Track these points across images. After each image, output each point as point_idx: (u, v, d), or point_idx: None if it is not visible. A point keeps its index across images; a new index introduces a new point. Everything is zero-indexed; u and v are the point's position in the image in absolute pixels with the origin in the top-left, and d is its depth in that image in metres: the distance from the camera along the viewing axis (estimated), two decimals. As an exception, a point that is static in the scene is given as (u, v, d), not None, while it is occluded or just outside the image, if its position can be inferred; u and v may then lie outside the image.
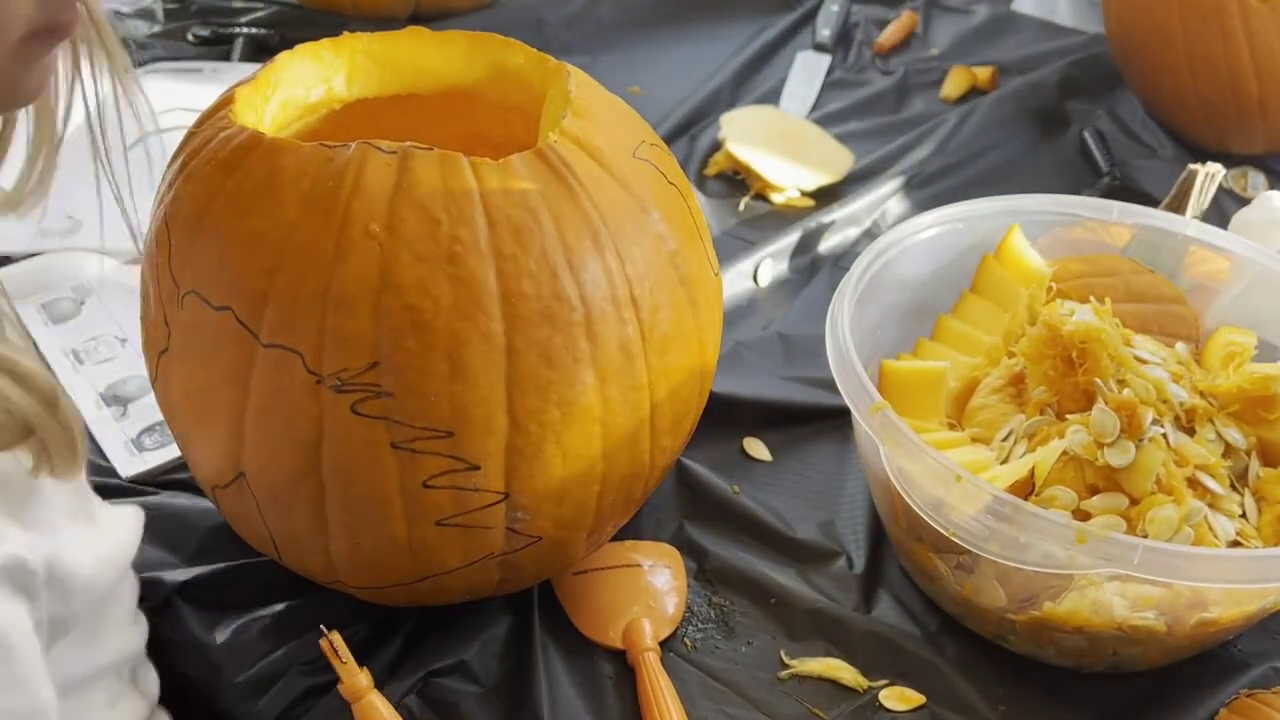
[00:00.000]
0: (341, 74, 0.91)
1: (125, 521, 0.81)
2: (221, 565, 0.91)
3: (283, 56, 0.88)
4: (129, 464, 1.01)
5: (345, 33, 0.92)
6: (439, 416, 0.74)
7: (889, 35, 1.65)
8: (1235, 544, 0.87)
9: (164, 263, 0.79)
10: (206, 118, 0.84)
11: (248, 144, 0.78)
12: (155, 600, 0.88)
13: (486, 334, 0.74)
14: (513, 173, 0.77)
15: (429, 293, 0.73)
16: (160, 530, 0.94)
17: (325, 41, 0.90)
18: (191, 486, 0.98)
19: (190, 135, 0.84)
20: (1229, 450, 0.92)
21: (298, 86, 0.90)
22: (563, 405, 0.77)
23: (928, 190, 1.37)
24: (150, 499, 0.97)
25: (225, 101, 0.84)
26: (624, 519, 0.89)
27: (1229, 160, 1.38)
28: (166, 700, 0.86)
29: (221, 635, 0.88)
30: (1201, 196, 1.22)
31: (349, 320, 0.73)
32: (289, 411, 0.75)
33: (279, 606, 0.90)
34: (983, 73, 1.57)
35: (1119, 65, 1.50)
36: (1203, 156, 1.34)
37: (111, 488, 0.98)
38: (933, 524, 0.84)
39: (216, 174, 0.78)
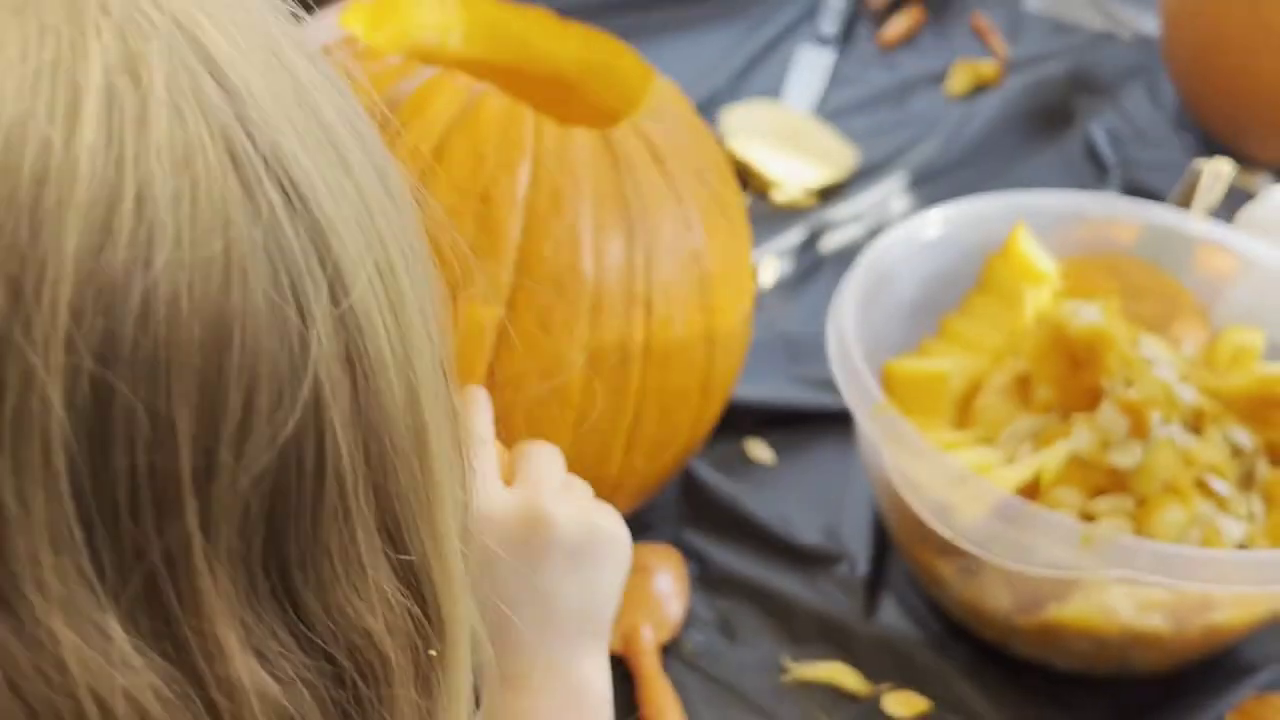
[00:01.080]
0: (459, 31, 0.92)
1: None
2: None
3: None
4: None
5: None
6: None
7: (894, 30, 1.64)
8: (1243, 547, 0.87)
9: None
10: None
11: (338, 45, 0.79)
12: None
13: (494, 280, 0.74)
14: (571, 142, 0.77)
15: (452, 222, 0.74)
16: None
17: None
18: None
19: None
20: (1236, 452, 0.91)
21: (413, 25, 0.90)
22: (545, 377, 0.76)
23: (932, 187, 1.36)
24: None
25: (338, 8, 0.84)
26: None
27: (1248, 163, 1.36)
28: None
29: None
30: (1209, 193, 1.21)
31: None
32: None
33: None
34: (989, 69, 1.56)
35: (1170, 63, 1.46)
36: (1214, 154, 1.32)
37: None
38: (937, 527, 0.83)
39: None
